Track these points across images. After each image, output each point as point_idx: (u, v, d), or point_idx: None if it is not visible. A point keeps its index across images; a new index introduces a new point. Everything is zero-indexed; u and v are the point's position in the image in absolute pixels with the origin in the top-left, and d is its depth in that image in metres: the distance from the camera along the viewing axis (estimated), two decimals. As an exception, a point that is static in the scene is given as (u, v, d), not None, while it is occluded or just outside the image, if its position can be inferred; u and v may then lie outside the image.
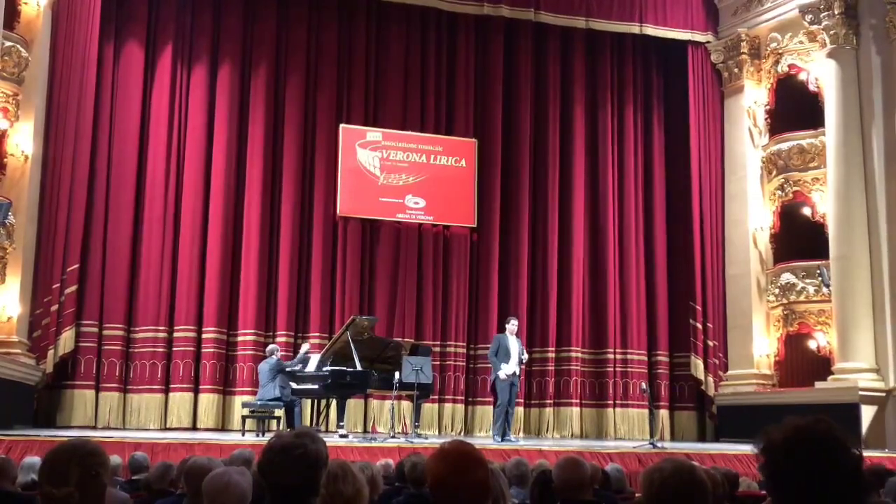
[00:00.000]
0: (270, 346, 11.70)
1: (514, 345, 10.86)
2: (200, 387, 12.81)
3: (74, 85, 12.12)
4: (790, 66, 14.01)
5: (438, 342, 13.75)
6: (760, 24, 14.43)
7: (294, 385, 10.97)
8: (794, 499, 1.57)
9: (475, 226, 14.35)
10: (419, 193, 14.23)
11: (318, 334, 13.28)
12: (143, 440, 8.88)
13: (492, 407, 13.60)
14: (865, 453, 1.70)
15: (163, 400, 12.67)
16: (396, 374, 10.45)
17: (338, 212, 13.78)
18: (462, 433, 13.56)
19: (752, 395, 13.49)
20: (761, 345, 13.93)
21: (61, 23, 12.16)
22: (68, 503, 2.21)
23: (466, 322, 14.06)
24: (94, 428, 11.97)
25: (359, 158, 14.04)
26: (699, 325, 14.32)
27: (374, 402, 13.26)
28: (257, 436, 10.39)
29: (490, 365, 12.43)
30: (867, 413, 11.80)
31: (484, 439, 12.48)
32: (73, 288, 12.13)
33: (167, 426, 12.48)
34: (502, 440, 10.57)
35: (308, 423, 11.53)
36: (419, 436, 11.07)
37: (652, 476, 2.10)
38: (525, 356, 11.30)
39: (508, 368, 10.71)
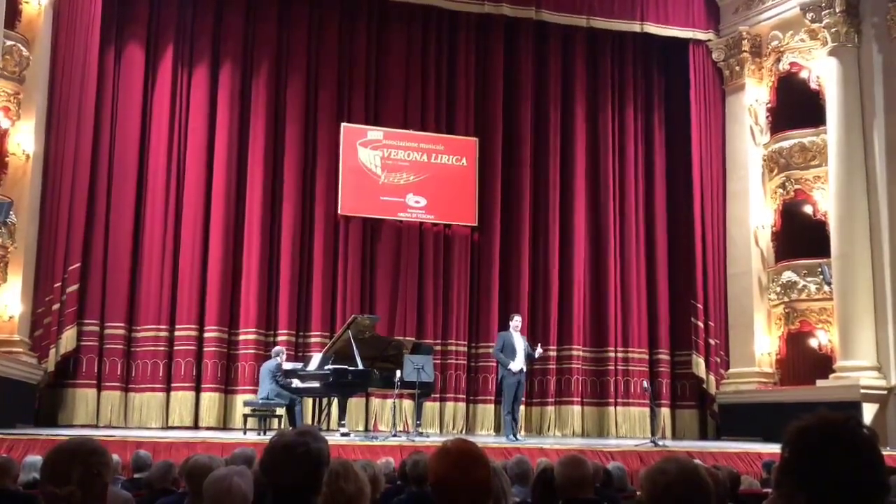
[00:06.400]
0: (276, 348, 11.73)
1: (520, 341, 10.88)
2: (202, 385, 12.82)
3: (76, 84, 12.13)
4: (791, 64, 13.99)
5: (439, 341, 13.75)
6: (761, 22, 14.41)
7: (296, 384, 10.98)
8: (822, 496, 1.57)
9: (476, 224, 14.34)
10: (420, 192, 14.23)
11: (319, 333, 13.29)
12: (145, 439, 8.88)
13: (493, 405, 13.67)
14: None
15: (164, 399, 12.68)
16: (398, 373, 10.45)
17: (339, 211, 13.78)
18: (463, 431, 13.56)
19: (753, 394, 13.50)
20: (763, 343, 13.93)
21: (62, 22, 12.16)
22: (70, 502, 2.21)
23: (467, 321, 14.06)
24: (96, 427, 11.98)
25: (360, 157, 14.04)
26: (700, 324, 14.31)
27: (375, 401, 13.26)
28: (259, 434, 10.39)
29: (493, 364, 12.47)
30: (868, 411, 11.79)
31: (485, 437, 12.49)
32: (75, 287, 12.13)
33: (169, 425, 12.48)
34: (516, 439, 10.59)
35: (310, 422, 11.53)
36: (421, 434, 11.07)
37: (655, 478, 2.08)
38: (540, 351, 11.33)
39: (516, 365, 10.73)
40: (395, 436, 10.49)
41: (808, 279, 13.29)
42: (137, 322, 12.87)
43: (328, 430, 11.18)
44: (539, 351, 11.27)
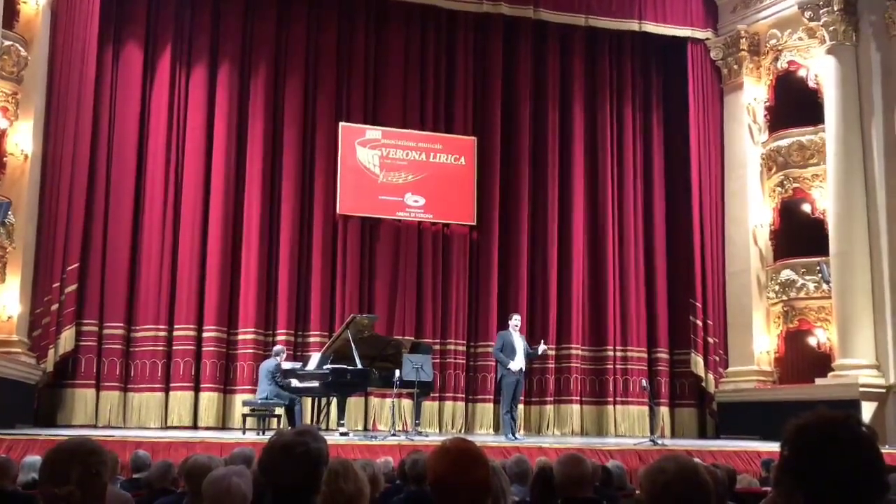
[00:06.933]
0: (276, 347, 11.73)
1: (519, 341, 10.87)
2: (201, 385, 12.81)
3: (74, 84, 12.11)
4: (790, 62, 14.00)
5: (438, 340, 13.75)
6: (760, 20, 14.42)
7: (295, 384, 10.97)
8: (821, 494, 1.57)
9: (475, 224, 14.34)
10: (419, 191, 14.22)
11: (318, 333, 13.29)
12: (144, 439, 8.88)
13: (492, 405, 13.67)
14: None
15: (163, 399, 12.67)
16: (397, 372, 10.46)
17: (337, 210, 13.78)
18: (462, 431, 13.57)
19: (752, 392, 13.50)
20: (761, 341, 13.94)
21: (60, 22, 12.15)
22: (69, 502, 2.21)
23: (466, 320, 14.06)
24: (95, 427, 11.97)
25: (358, 157, 14.03)
26: (699, 322, 14.32)
27: (374, 400, 13.26)
28: (258, 434, 10.39)
29: (492, 363, 12.46)
30: (867, 409, 11.81)
31: (484, 437, 12.49)
32: (74, 287, 12.12)
33: (168, 425, 12.48)
34: (515, 438, 10.60)
35: (309, 422, 11.53)
36: (420, 433, 11.06)
37: (654, 476, 2.08)
38: (544, 347, 11.33)
39: (516, 365, 10.73)
40: (394, 435, 10.49)
41: (807, 277, 13.30)
42: (136, 322, 12.86)
43: (327, 429, 11.18)
44: (543, 347, 11.27)
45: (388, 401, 12.42)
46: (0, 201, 10.75)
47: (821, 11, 13.04)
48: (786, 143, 13.80)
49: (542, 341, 11.76)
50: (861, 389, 11.85)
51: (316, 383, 10.76)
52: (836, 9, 12.85)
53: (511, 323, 11.06)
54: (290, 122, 13.77)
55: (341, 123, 14.00)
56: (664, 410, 14.41)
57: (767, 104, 14.34)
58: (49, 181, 11.90)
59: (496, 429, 13.35)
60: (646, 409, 13.56)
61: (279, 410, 11.13)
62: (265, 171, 13.53)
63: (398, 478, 5.65)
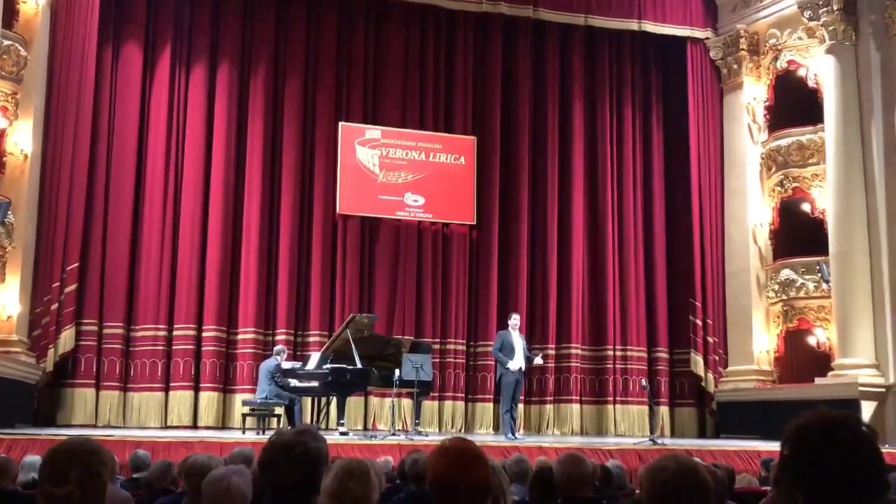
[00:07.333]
0: (277, 347, 11.74)
1: (518, 340, 10.88)
2: (201, 385, 12.81)
3: (73, 84, 12.11)
4: (789, 62, 14.01)
5: (438, 339, 13.75)
6: (759, 20, 14.42)
7: (295, 383, 10.98)
8: (820, 494, 1.57)
9: (475, 223, 14.34)
10: (418, 191, 14.22)
11: (317, 332, 13.29)
12: (144, 439, 8.88)
13: (491, 404, 13.68)
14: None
15: (163, 398, 12.67)
16: (397, 372, 10.47)
17: (337, 210, 13.78)
18: (462, 430, 13.58)
19: (751, 392, 13.51)
20: (761, 341, 13.94)
21: (60, 22, 12.15)
22: (69, 502, 2.21)
23: (466, 319, 14.06)
24: (95, 426, 11.97)
25: (358, 156, 14.03)
26: (699, 322, 14.32)
27: (374, 400, 13.26)
28: (258, 434, 10.39)
29: (492, 362, 12.47)
30: (867, 409, 11.81)
31: (484, 436, 12.49)
32: (73, 286, 12.12)
33: (167, 424, 12.48)
34: (514, 438, 10.60)
35: (308, 422, 11.53)
36: (420, 433, 11.07)
37: (654, 476, 2.08)
38: (539, 360, 11.35)
39: (515, 364, 10.73)
40: (394, 435, 10.50)
41: (807, 277, 13.30)
42: (136, 321, 12.86)
43: (327, 429, 11.18)
44: (538, 360, 11.31)
45: (388, 400, 12.41)
46: (0, 201, 10.75)
47: (820, 11, 13.04)
48: (785, 142, 13.81)
49: (542, 353, 11.78)
50: (861, 389, 11.85)
51: (315, 383, 10.76)
52: (835, 8, 12.85)
53: (510, 322, 11.07)
54: (289, 121, 13.77)
55: (341, 123, 14.00)
56: (664, 410, 14.41)
57: (767, 104, 14.34)
58: (49, 181, 11.89)
59: (496, 428, 13.35)
60: (645, 408, 13.57)
61: (279, 410, 11.13)
62: (265, 170, 13.53)
63: (398, 477, 5.66)
